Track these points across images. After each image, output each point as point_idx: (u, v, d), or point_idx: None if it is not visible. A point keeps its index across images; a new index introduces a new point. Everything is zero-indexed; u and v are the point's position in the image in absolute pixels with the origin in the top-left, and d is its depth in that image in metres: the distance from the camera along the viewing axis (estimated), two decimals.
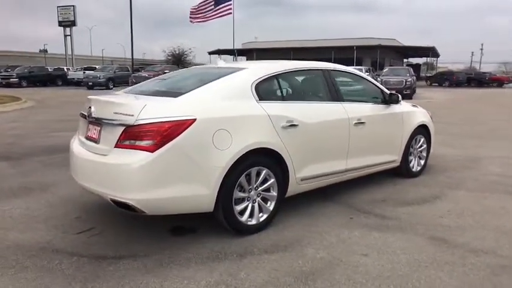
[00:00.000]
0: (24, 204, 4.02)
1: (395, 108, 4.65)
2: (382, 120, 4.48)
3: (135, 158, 2.77)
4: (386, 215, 3.78)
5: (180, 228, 3.42)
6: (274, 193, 3.38)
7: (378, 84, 4.73)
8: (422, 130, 5.11)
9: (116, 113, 2.95)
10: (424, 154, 5.24)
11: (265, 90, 3.46)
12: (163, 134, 2.78)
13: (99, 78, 28.01)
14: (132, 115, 2.84)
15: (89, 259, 2.87)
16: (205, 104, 3.07)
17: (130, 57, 35.50)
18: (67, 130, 7.76)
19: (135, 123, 2.81)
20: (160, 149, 2.77)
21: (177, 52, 48.59)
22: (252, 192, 3.25)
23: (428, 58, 51.92)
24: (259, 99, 3.35)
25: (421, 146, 5.16)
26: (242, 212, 3.21)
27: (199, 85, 3.27)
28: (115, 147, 2.90)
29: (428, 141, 5.26)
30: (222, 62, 4.21)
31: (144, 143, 2.79)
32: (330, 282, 2.57)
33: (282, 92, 3.65)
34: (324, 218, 3.70)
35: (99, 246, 3.07)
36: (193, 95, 3.11)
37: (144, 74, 26.21)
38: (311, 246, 3.09)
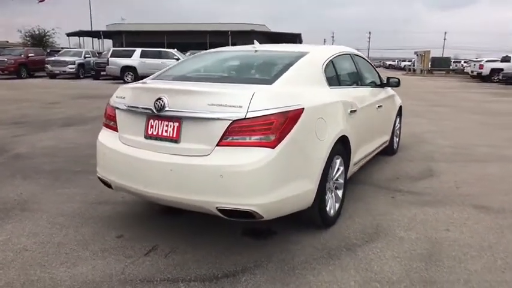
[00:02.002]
0: (25, 231, 3.06)
1: (389, 91, 4.98)
2: (387, 103, 4.75)
3: (256, 157, 2.37)
4: (415, 191, 4.08)
5: (254, 230, 3.09)
6: (342, 181, 3.32)
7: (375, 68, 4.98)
8: (399, 111, 5.60)
9: (212, 104, 2.45)
10: (399, 132, 5.77)
11: (329, 75, 3.32)
12: (282, 126, 2.45)
13: None
14: (240, 106, 2.41)
15: (189, 282, 2.38)
16: (302, 91, 2.79)
17: None
18: None
19: (246, 116, 2.40)
20: (280, 144, 2.44)
21: (36, 33, 41.74)
22: (331, 182, 3.13)
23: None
24: (329, 85, 3.21)
25: (398, 124, 5.66)
26: (326, 204, 3.07)
27: (275, 71, 2.95)
28: (217, 145, 2.43)
29: (400, 120, 5.79)
30: (258, 44, 3.83)
31: (261, 139, 2.40)
32: (454, 259, 2.68)
33: (338, 77, 3.55)
34: (372, 200, 3.79)
35: (184, 266, 2.56)
36: (285, 82, 2.78)
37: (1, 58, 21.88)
38: (396, 229, 3.15)
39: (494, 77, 24.04)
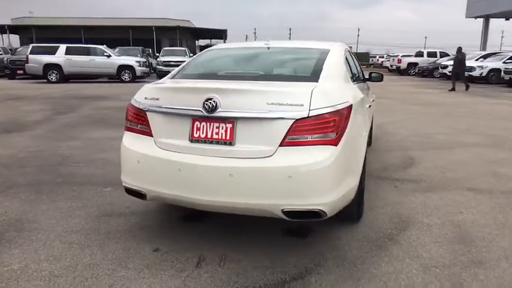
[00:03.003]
0: (42, 255, 2.67)
1: (369, 85, 5.21)
2: (371, 97, 4.97)
3: (323, 155, 2.34)
4: (410, 179, 4.34)
5: (291, 230, 3.04)
6: None
7: None
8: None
9: (272, 103, 2.36)
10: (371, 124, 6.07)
11: (348, 71, 3.37)
12: (341, 123, 2.44)
13: None
14: (302, 105, 2.35)
15: None
16: (342, 87, 2.80)
17: None
18: None
19: (309, 115, 2.35)
20: (340, 141, 2.43)
21: None
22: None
23: (218, 40, 55.86)
24: (352, 81, 3.27)
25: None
26: (362, 197, 3.13)
27: (310, 68, 2.93)
28: (281, 145, 2.35)
29: None
30: (272, 41, 3.71)
31: (324, 137, 2.37)
32: (484, 240, 2.92)
33: (351, 72, 3.61)
34: (378, 190, 3.95)
35: (247, 274, 2.44)
36: (327, 78, 2.76)
37: None
38: (418, 216, 3.33)
39: (410, 70, 26.43)
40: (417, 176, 4.42)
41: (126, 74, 18.36)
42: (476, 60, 20.37)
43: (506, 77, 17.53)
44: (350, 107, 2.57)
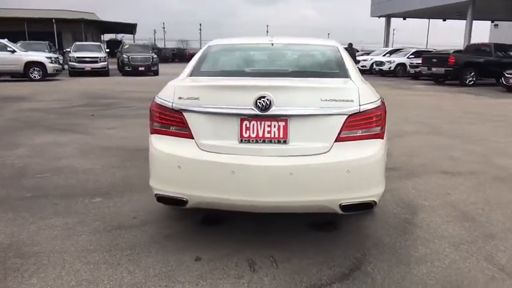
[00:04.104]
0: (70, 282, 2.33)
1: None
2: None
3: (375, 148, 2.44)
4: (388, 167, 4.66)
5: (315, 224, 3.09)
6: None
7: None
8: None
9: (326, 100, 2.37)
10: None
11: None
12: (384, 118, 2.55)
13: None
14: (352, 100, 2.41)
15: (331, 285, 2.32)
16: (368, 83, 2.90)
17: None
18: None
19: (360, 110, 2.41)
20: (384, 134, 2.55)
21: None
22: None
23: (125, 34, 53.11)
24: None
25: None
26: None
27: (334, 65, 3.01)
28: (336, 141, 2.38)
29: None
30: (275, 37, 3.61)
31: (373, 130, 2.46)
32: (482, 216, 3.29)
33: None
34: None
35: (310, 272, 2.44)
36: (355, 75, 2.84)
37: None
38: (417, 200, 3.63)
39: None
40: (394, 164, 4.77)
41: (36, 72, 16.43)
42: (384, 55, 22.46)
43: (412, 71, 19.69)
44: (383, 102, 2.69)
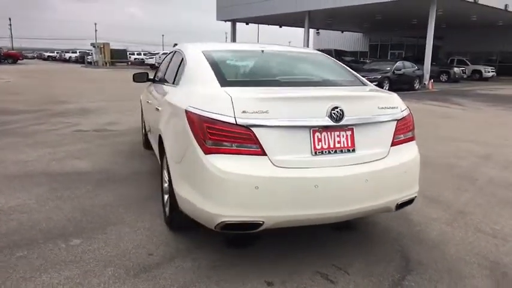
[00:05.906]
0: None
1: None
2: None
3: (416, 150, 2.75)
4: None
5: (328, 225, 3.21)
6: None
7: None
8: None
9: (382, 107, 2.53)
10: None
11: None
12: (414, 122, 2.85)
13: None
14: (396, 107, 2.65)
15: (403, 278, 2.51)
16: None
17: None
18: None
19: (404, 116, 2.67)
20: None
21: None
22: None
23: None
24: None
25: None
26: None
27: (344, 72, 3.19)
28: (392, 145, 2.56)
29: None
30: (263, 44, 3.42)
31: (409, 134, 2.74)
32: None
33: None
34: None
35: (377, 272, 2.56)
36: (366, 82, 3.08)
37: None
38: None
39: None
40: None
41: None
42: None
43: None
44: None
